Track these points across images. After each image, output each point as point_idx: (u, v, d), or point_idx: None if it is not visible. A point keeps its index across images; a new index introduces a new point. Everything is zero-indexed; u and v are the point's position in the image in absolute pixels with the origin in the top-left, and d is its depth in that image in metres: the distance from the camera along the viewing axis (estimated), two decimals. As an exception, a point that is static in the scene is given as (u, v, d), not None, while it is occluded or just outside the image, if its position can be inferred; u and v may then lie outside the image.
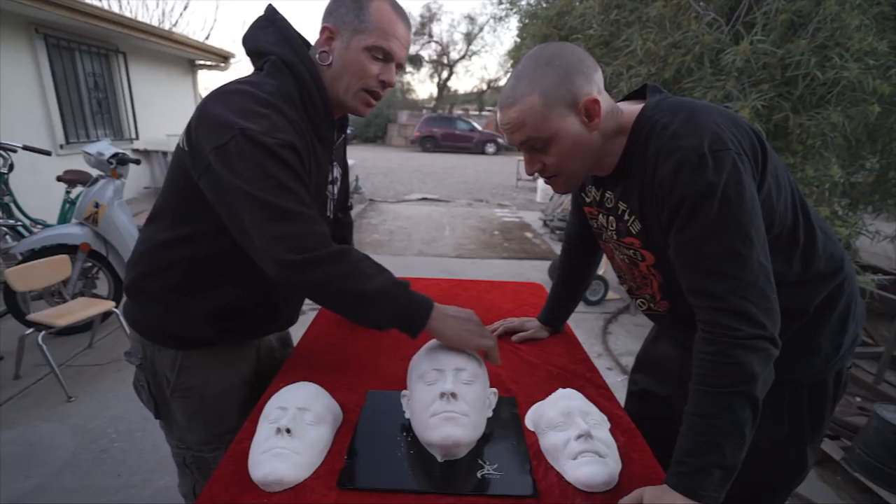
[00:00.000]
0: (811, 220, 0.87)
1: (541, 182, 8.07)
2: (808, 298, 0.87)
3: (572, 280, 1.30)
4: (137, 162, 3.19)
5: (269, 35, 0.93)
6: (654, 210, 0.82)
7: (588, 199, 1.02)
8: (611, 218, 0.94)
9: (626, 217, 0.89)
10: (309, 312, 3.43)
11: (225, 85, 0.89)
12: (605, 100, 0.83)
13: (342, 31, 0.90)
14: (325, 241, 0.85)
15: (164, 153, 7.31)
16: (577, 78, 0.79)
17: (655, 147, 0.78)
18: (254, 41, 0.94)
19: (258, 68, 0.95)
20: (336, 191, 1.14)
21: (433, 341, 0.97)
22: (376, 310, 0.87)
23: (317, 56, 0.93)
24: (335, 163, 1.12)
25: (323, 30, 0.92)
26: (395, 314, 0.88)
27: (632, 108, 0.85)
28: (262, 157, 0.81)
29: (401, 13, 0.93)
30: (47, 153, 3.59)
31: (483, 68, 42.71)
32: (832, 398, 0.95)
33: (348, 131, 1.13)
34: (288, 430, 0.79)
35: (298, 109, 0.91)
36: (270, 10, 0.97)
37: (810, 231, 0.86)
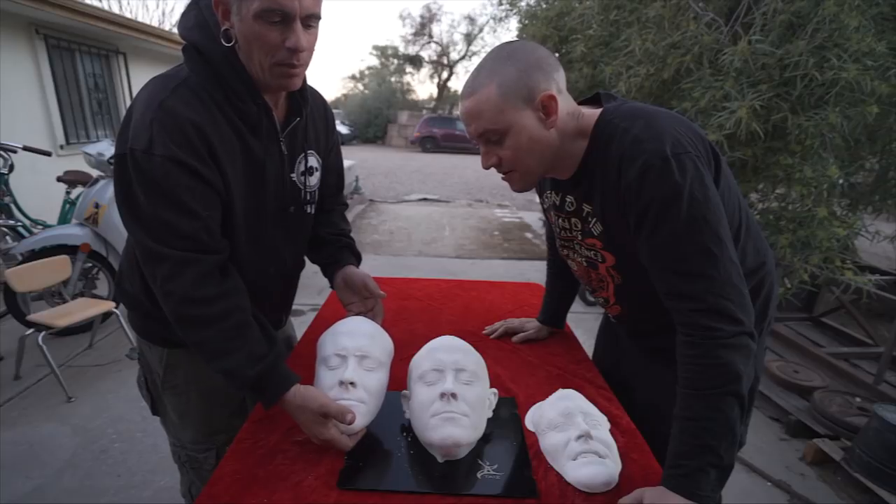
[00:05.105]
0: (749, 219, 0.91)
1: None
2: None
3: (562, 277, 1.30)
4: (137, 163, 3.18)
5: (189, 19, 0.83)
6: (616, 213, 0.83)
7: (546, 204, 1.03)
8: (574, 220, 0.95)
9: (590, 219, 0.90)
10: (309, 313, 3.42)
11: (148, 83, 0.83)
12: (564, 99, 0.83)
13: (231, 1, 0.76)
14: (189, 289, 0.79)
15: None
16: (536, 73, 0.80)
17: (618, 151, 0.79)
18: (180, 28, 0.85)
19: None
20: (314, 182, 1.03)
21: (433, 341, 0.97)
22: (229, 381, 0.84)
23: (221, 38, 0.80)
24: (311, 152, 1.01)
25: (215, 4, 0.78)
26: (242, 388, 0.84)
27: (592, 112, 0.86)
28: (141, 182, 0.77)
29: None
30: (47, 154, 3.59)
31: (483, 69, 42.41)
32: (756, 378, 0.98)
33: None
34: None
35: (215, 98, 0.82)
36: None
37: (748, 230, 0.90)
